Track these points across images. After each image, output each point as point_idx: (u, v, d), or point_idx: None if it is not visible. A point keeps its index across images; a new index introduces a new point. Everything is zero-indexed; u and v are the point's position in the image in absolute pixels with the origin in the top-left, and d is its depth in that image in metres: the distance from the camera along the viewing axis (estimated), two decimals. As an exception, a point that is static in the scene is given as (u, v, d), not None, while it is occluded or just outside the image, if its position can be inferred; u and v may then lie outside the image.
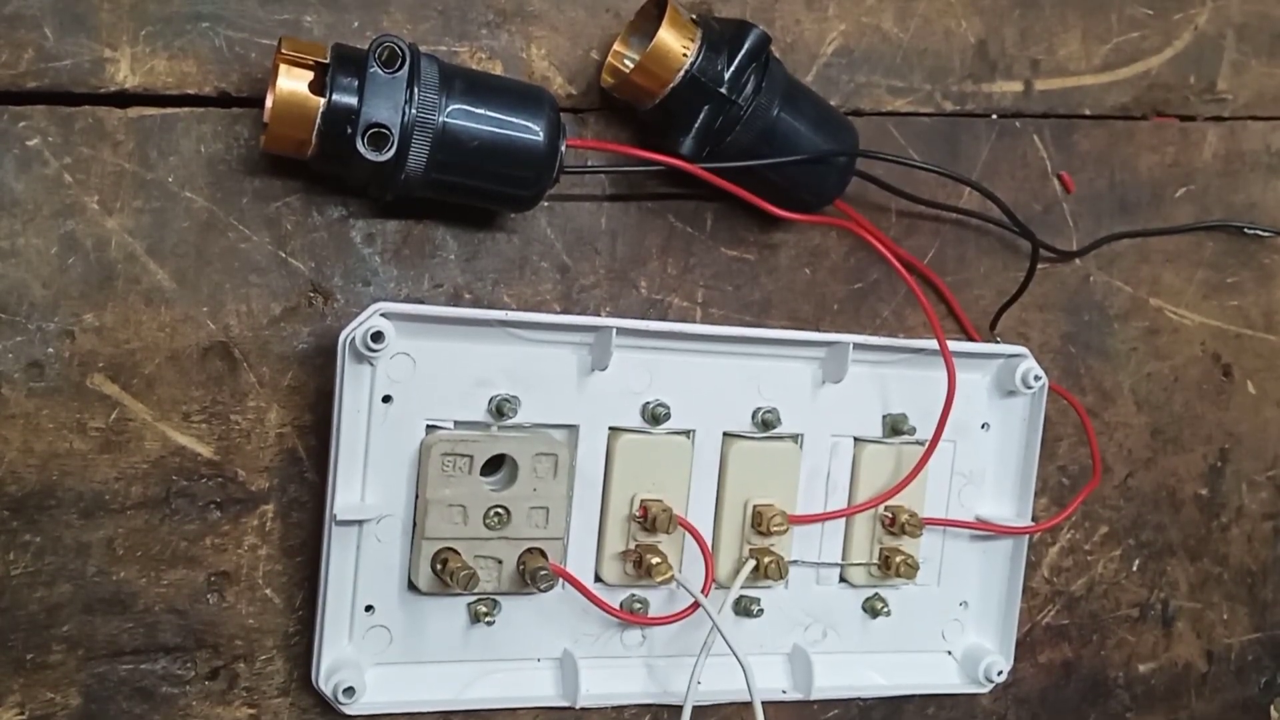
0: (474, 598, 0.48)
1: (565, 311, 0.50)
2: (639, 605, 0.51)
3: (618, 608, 0.50)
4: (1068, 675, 0.62)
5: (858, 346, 0.51)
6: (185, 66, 0.44)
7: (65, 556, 0.44)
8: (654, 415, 0.49)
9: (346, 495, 0.45)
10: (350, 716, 0.47)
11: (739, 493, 0.51)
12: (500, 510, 0.46)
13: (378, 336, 0.43)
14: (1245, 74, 0.63)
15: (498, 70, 0.48)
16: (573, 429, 0.48)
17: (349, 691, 0.46)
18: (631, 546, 0.49)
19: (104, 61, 0.43)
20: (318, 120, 0.41)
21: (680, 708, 0.48)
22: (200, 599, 0.46)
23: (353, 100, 0.41)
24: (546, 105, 0.45)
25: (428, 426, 0.46)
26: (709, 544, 0.50)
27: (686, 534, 0.49)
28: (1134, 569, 0.63)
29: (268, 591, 0.47)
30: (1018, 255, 0.58)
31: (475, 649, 0.49)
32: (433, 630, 0.48)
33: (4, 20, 0.42)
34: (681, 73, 0.46)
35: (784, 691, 0.53)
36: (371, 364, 0.45)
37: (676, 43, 0.46)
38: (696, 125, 0.47)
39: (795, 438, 0.52)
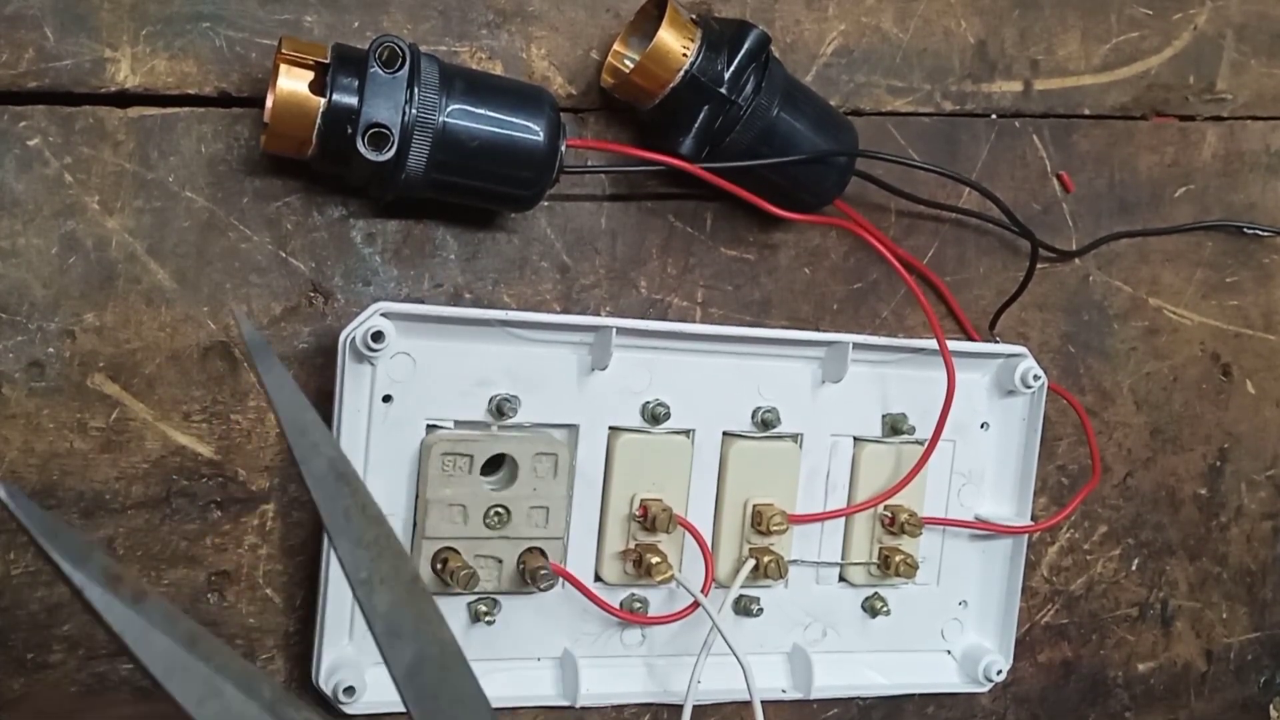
0: (474, 597, 0.48)
1: (565, 311, 0.50)
2: (639, 605, 0.51)
3: (618, 607, 0.50)
4: (1067, 674, 0.62)
5: (857, 346, 0.51)
6: (185, 66, 0.44)
7: (66, 556, 0.44)
8: (654, 415, 0.49)
9: (347, 495, 0.45)
10: (351, 716, 0.47)
11: (739, 492, 0.51)
12: (500, 510, 0.46)
13: (378, 336, 0.44)
14: (1245, 74, 0.63)
15: (498, 70, 0.48)
16: (573, 429, 0.48)
17: (349, 691, 0.46)
18: (631, 546, 0.49)
19: (104, 61, 0.43)
20: (318, 120, 0.41)
21: (680, 707, 0.49)
22: (201, 598, 0.46)
23: (353, 100, 0.41)
24: (546, 105, 0.45)
25: (428, 426, 0.46)
26: (709, 543, 0.50)
27: (686, 533, 0.50)
28: (1133, 568, 0.63)
29: (268, 591, 0.47)
30: (1017, 255, 0.58)
31: (475, 648, 0.49)
32: (433, 630, 0.48)
33: (4, 20, 0.42)
34: (681, 73, 0.46)
35: (784, 691, 0.53)
36: (372, 364, 0.45)
37: (676, 43, 0.46)
38: (696, 125, 0.47)
39: (795, 437, 0.52)
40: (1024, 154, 0.58)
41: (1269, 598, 0.67)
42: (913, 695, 0.58)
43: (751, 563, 0.50)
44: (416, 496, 0.46)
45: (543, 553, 0.47)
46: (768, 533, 0.50)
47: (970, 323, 0.57)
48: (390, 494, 0.46)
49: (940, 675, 0.56)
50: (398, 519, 0.46)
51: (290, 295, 0.46)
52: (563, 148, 0.45)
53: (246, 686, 0.26)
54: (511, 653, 0.49)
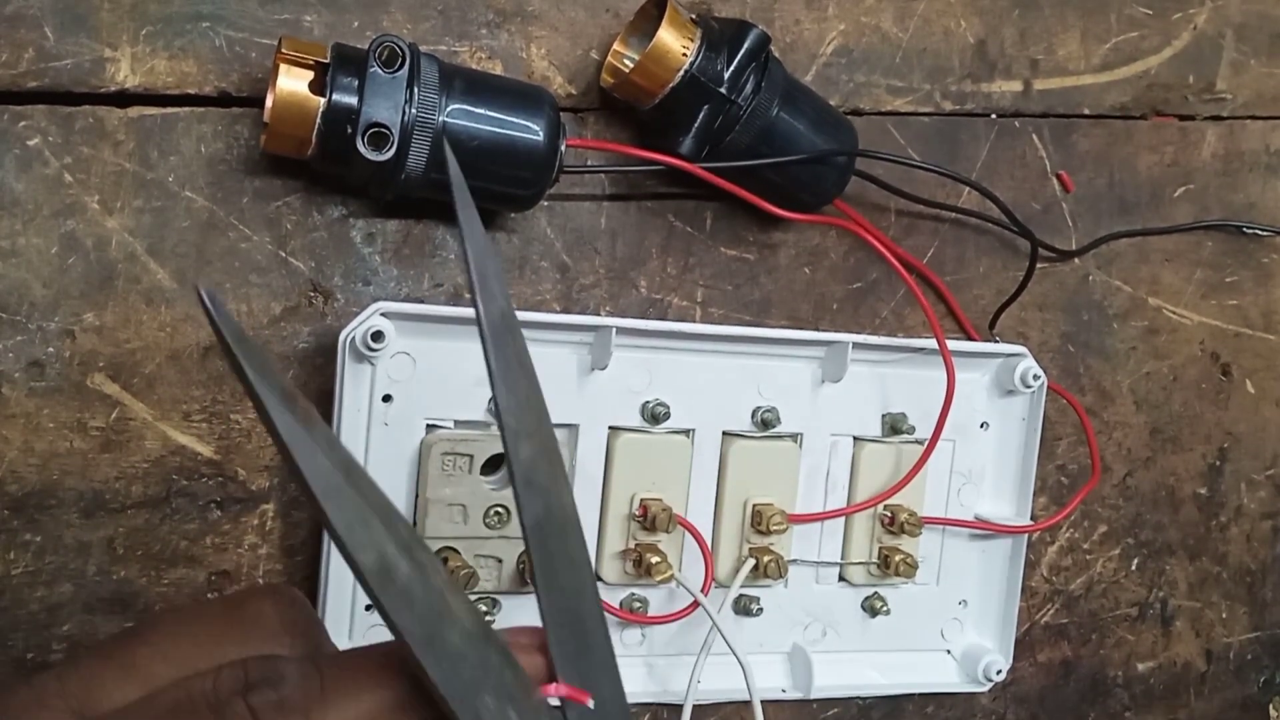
0: (474, 597, 0.48)
1: (565, 311, 0.50)
2: (639, 604, 0.51)
3: (617, 607, 0.50)
4: (1067, 674, 0.62)
5: (857, 346, 0.51)
6: (185, 66, 0.44)
7: (66, 556, 0.44)
8: (654, 414, 0.49)
9: (347, 494, 0.45)
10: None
11: (738, 492, 0.51)
12: (500, 509, 0.46)
13: (378, 336, 0.44)
14: (1244, 74, 0.63)
15: (498, 70, 0.48)
16: (573, 428, 0.48)
17: (349, 690, 0.46)
18: (631, 545, 0.49)
19: (104, 61, 0.43)
20: (318, 120, 0.41)
21: (680, 707, 0.49)
22: (201, 598, 0.46)
23: (353, 100, 0.41)
24: (546, 105, 0.45)
25: (428, 426, 0.46)
26: (709, 543, 0.50)
27: (686, 533, 0.50)
28: (1133, 568, 0.63)
29: (268, 591, 0.47)
30: (1017, 255, 0.58)
31: (475, 648, 0.49)
32: (433, 629, 0.48)
33: (4, 20, 0.42)
34: (681, 72, 0.46)
35: (784, 690, 0.53)
36: (371, 363, 0.45)
37: (676, 42, 0.46)
38: (696, 125, 0.47)
39: (795, 437, 0.52)
40: (1024, 154, 0.58)
41: (1269, 597, 0.67)
42: (913, 695, 0.58)
43: (751, 562, 0.50)
44: (416, 496, 0.46)
45: (542, 552, 0.47)
46: (767, 532, 0.50)
47: (970, 322, 0.57)
48: (390, 494, 0.46)
49: (940, 675, 0.56)
50: (398, 519, 0.46)
51: (290, 295, 0.46)
52: (562, 147, 0.45)
53: (388, 522, 0.27)
54: (511, 652, 0.49)
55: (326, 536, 0.45)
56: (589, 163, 0.50)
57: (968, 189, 0.56)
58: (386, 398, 0.45)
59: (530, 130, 0.44)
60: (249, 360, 0.25)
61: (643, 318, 0.51)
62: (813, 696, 0.53)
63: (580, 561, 0.29)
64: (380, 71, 0.42)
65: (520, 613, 0.49)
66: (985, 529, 0.55)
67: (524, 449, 0.28)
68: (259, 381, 0.25)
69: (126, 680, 0.26)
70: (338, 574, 0.46)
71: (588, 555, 0.29)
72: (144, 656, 0.27)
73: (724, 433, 0.51)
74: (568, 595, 0.28)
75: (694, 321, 0.52)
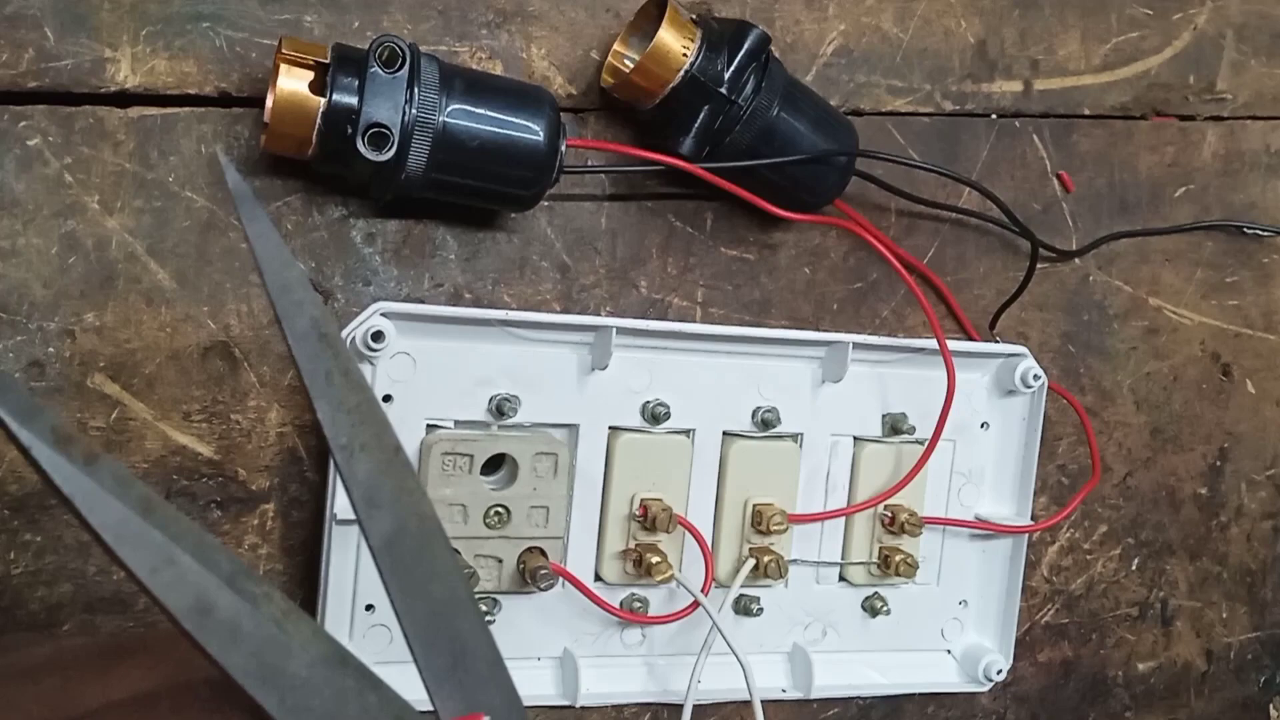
0: (474, 597, 0.48)
1: (565, 311, 0.50)
2: (639, 604, 0.51)
3: (618, 607, 0.50)
4: (1067, 674, 0.62)
5: (857, 346, 0.51)
6: (186, 66, 0.44)
7: (66, 556, 0.44)
8: (654, 415, 0.49)
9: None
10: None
11: (739, 492, 0.51)
12: (500, 509, 0.46)
13: (378, 336, 0.44)
14: (1245, 74, 0.63)
15: (498, 70, 0.48)
16: (573, 428, 0.48)
17: (349, 690, 0.46)
18: (631, 545, 0.49)
19: (104, 61, 0.43)
20: (318, 120, 0.41)
21: (680, 707, 0.49)
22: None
23: (353, 100, 0.41)
24: (546, 105, 0.45)
25: (428, 426, 0.46)
26: (709, 543, 0.50)
27: (686, 533, 0.50)
28: (1133, 568, 0.63)
29: (268, 591, 0.47)
30: (1017, 255, 0.58)
31: (475, 648, 0.49)
32: (433, 629, 0.48)
33: (4, 20, 0.42)
34: (681, 73, 0.46)
35: (784, 690, 0.53)
36: (372, 363, 0.45)
37: (676, 43, 0.46)
38: (696, 125, 0.47)
39: (795, 437, 0.52)
40: (1024, 154, 0.58)
41: (1269, 597, 0.67)
42: (913, 695, 0.58)
43: (751, 562, 0.50)
44: (416, 496, 0.46)
45: (543, 552, 0.47)
46: (768, 532, 0.50)
47: (970, 322, 0.57)
48: (390, 494, 0.46)
49: (940, 675, 0.56)
50: (398, 519, 0.46)
51: (290, 295, 0.46)
52: (563, 147, 0.45)
53: (203, 557, 0.25)
54: (512, 652, 0.49)
55: (326, 536, 0.45)
56: (589, 163, 0.50)
57: (968, 189, 0.56)
58: (387, 398, 0.45)
59: (530, 130, 0.44)
60: (8, 409, 0.23)
61: (643, 318, 0.51)
62: (813, 696, 0.53)
63: (449, 571, 0.27)
64: (380, 72, 0.42)
65: (521, 612, 0.49)
66: (985, 529, 0.55)
67: (361, 466, 0.27)
68: (22, 430, 0.23)
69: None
70: (338, 574, 0.46)
71: (456, 563, 0.27)
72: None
73: (724, 433, 0.51)
74: (438, 610, 0.27)
75: (694, 321, 0.52)
